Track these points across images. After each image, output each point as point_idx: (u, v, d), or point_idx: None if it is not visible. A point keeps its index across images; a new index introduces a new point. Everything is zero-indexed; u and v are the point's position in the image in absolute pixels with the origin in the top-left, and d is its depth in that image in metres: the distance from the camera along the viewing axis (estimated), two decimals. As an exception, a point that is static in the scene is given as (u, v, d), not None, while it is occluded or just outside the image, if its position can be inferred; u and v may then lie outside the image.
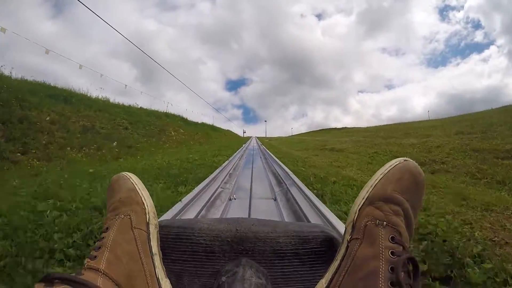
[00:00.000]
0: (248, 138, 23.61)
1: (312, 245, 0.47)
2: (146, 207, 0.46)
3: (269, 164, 3.71)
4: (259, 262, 0.46)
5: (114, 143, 6.56)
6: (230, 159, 4.09)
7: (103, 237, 0.40)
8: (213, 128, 21.87)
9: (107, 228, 0.42)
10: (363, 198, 0.40)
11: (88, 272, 0.35)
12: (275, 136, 45.12)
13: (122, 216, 0.43)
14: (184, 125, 13.90)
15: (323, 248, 0.47)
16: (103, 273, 0.35)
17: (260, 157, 5.03)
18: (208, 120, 24.16)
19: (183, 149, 8.16)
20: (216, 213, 1.45)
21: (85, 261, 0.37)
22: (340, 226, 0.87)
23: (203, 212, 1.31)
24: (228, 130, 31.70)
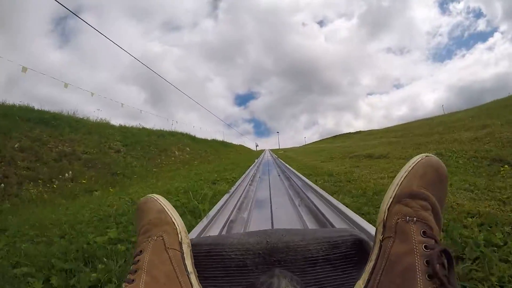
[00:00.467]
0: (261, 151, 20.91)
1: (342, 249, 0.47)
2: (177, 226, 0.47)
3: (299, 195, 1.86)
4: (292, 271, 0.46)
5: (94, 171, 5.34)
6: (235, 186, 2.18)
7: (138, 260, 0.40)
8: (223, 144, 20.65)
9: (140, 251, 0.42)
10: (390, 197, 0.40)
11: None
12: (289, 147, 41.00)
13: (155, 237, 0.43)
14: (192, 143, 13.05)
15: (353, 251, 0.47)
16: None
17: (281, 180, 2.92)
18: (219, 137, 23.08)
19: (182, 171, 6.88)
20: None
21: (123, 285, 0.37)
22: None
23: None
24: (240, 145, 29.99)
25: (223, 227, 1.14)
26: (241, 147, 28.62)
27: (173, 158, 9.15)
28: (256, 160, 7.16)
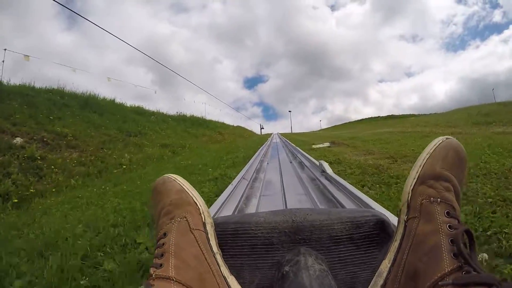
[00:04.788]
0: (267, 137, 12.77)
1: (365, 229, 0.48)
2: (199, 206, 0.46)
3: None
4: (316, 249, 0.47)
5: None
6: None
7: (163, 243, 0.39)
8: (202, 123, 13.79)
9: (164, 234, 0.41)
10: (414, 178, 0.41)
11: (159, 282, 0.34)
12: (299, 132, 29.88)
13: (179, 219, 0.43)
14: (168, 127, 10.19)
15: (376, 231, 0.48)
16: (176, 281, 0.35)
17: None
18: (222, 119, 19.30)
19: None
20: None
21: (151, 271, 0.36)
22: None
23: None
24: (238, 127, 20.64)
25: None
26: (237, 130, 18.60)
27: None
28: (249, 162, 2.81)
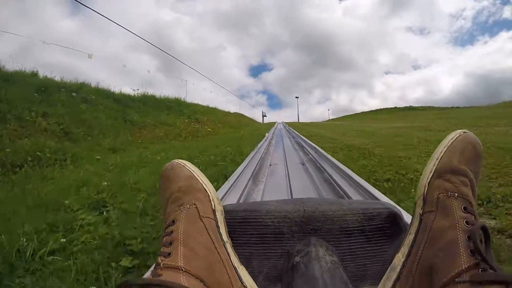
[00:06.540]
0: (270, 127, 10.85)
1: (377, 221, 0.47)
2: (209, 193, 0.44)
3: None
4: (327, 240, 0.46)
5: None
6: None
7: (172, 231, 0.38)
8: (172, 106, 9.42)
9: (173, 221, 0.39)
10: (430, 172, 0.40)
11: (168, 271, 0.33)
12: (305, 121, 26.51)
13: (188, 206, 0.41)
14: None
15: (387, 224, 0.47)
16: (185, 271, 0.33)
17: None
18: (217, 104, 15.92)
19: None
20: None
21: (159, 260, 0.34)
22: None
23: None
24: (235, 113, 16.91)
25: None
26: (230, 119, 13.28)
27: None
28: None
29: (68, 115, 5.27)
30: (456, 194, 0.36)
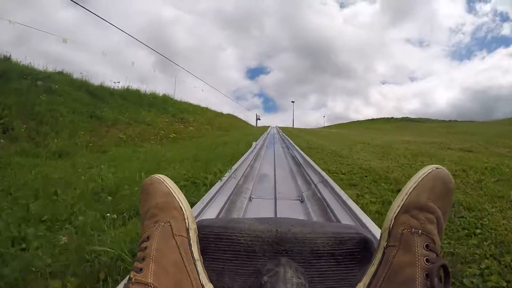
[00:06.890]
0: (263, 131, 10.09)
1: (348, 246, 0.47)
2: (184, 212, 0.45)
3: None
4: (297, 261, 0.46)
5: None
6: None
7: (146, 247, 0.39)
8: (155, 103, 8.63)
9: (148, 237, 0.41)
10: (398, 206, 0.41)
11: (137, 287, 0.34)
12: (304, 128, 24.08)
13: (162, 223, 0.42)
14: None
15: (358, 249, 0.47)
16: (153, 287, 0.35)
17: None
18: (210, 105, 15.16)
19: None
20: None
21: (131, 274, 0.36)
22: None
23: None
24: (228, 115, 16.03)
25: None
26: (220, 121, 12.24)
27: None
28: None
29: (17, 106, 4.34)
30: (420, 231, 0.37)
